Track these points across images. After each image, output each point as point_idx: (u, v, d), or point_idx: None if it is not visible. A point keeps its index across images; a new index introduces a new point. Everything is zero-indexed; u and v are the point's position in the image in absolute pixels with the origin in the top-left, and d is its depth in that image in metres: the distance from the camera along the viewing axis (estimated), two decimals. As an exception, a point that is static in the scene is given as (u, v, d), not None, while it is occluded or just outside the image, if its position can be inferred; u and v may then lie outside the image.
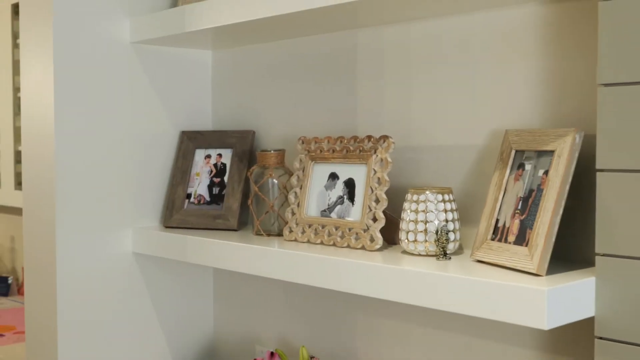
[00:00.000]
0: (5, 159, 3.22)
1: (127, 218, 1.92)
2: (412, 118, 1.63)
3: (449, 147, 1.56)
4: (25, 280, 1.93)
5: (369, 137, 1.57)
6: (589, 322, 1.21)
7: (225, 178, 1.92)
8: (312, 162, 1.67)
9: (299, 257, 1.51)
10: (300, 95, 1.88)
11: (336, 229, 1.56)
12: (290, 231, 1.64)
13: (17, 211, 3.57)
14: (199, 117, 2.07)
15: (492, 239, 1.34)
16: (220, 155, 1.95)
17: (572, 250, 1.35)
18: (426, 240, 1.41)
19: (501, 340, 1.49)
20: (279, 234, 1.72)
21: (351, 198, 1.58)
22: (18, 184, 3.18)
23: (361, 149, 1.57)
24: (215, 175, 1.94)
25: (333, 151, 1.63)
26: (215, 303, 2.12)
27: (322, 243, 1.58)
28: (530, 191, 1.29)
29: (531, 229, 1.25)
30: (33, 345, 1.91)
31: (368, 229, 1.50)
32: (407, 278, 1.31)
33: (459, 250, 1.47)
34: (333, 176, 1.63)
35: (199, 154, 1.98)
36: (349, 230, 1.54)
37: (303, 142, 1.70)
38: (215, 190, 1.92)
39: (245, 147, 1.92)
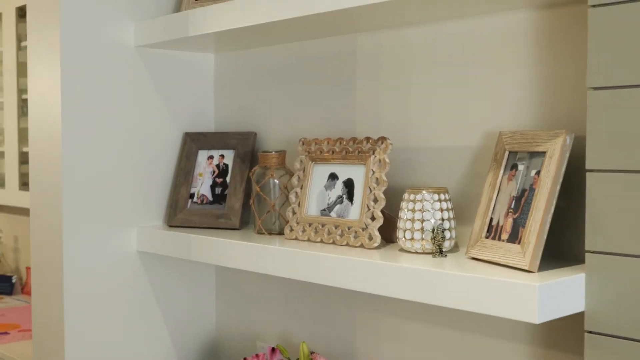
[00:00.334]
0: (10, 159, 3.24)
1: (132, 217, 1.93)
2: (409, 120, 1.64)
3: (444, 148, 1.57)
4: (32, 278, 1.94)
5: (368, 139, 1.58)
6: (579, 317, 1.23)
7: (228, 178, 1.93)
8: (312, 163, 1.68)
9: (300, 254, 1.52)
10: (301, 98, 1.88)
11: (336, 228, 1.57)
12: (291, 230, 1.65)
13: (21, 211, 3.58)
14: (201, 119, 2.07)
15: (486, 237, 1.36)
16: (222, 156, 1.96)
17: (563, 248, 1.36)
18: (423, 239, 1.42)
19: (495, 336, 1.50)
20: (280, 233, 1.73)
21: (350, 198, 1.59)
22: (22, 185, 3.19)
23: (360, 150, 1.59)
24: (218, 176, 1.95)
25: (332, 152, 1.64)
26: (218, 300, 2.12)
27: (322, 241, 1.60)
28: (523, 191, 1.31)
29: (524, 227, 1.27)
30: (40, 342, 1.93)
31: (367, 227, 1.52)
32: (404, 275, 1.33)
33: (455, 248, 1.49)
34: (333, 176, 1.64)
35: (202, 155, 1.99)
36: (348, 228, 1.55)
37: (303, 144, 1.71)
38: (218, 190, 1.93)
39: (247, 148, 1.93)
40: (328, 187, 1.64)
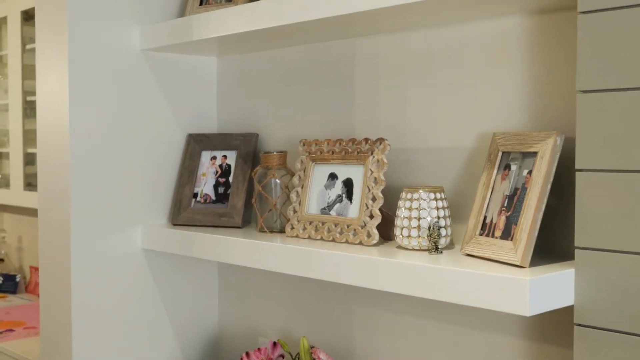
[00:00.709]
0: (15, 160, 3.25)
1: (137, 216, 1.94)
2: (407, 122, 1.66)
3: (440, 149, 1.59)
4: (40, 276, 1.96)
5: (366, 140, 1.60)
6: (568, 311, 1.25)
7: (230, 178, 1.94)
8: (312, 163, 1.70)
9: (301, 251, 1.54)
10: (301, 100, 1.89)
11: (335, 226, 1.59)
12: (292, 228, 1.67)
13: (25, 211, 3.59)
14: (204, 120, 2.08)
15: (481, 234, 1.38)
16: (225, 156, 1.97)
17: (554, 245, 1.39)
18: (419, 236, 1.44)
19: (489, 330, 1.52)
20: (282, 231, 1.74)
21: (349, 197, 1.60)
22: (27, 185, 3.20)
23: (359, 150, 1.60)
24: (221, 176, 1.96)
25: (332, 153, 1.66)
26: (220, 296, 2.13)
27: (322, 239, 1.61)
28: (516, 190, 1.33)
29: (516, 224, 1.30)
30: (48, 338, 1.94)
31: (365, 225, 1.54)
32: (401, 270, 1.35)
33: (450, 245, 1.51)
34: (332, 176, 1.65)
35: (205, 156, 2.00)
36: (348, 226, 1.57)
37: (304, 144, 1.72)
38: (221, 189, 1.94)
39: (249, 149, 1.94)
40: (328, 187, 1.65)
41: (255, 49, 1.96)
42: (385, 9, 1.40)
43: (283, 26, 1.59)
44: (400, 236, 1.47)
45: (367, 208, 1.55)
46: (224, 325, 2.14)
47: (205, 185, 1.97)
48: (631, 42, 1.15)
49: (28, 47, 3.21)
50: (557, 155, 1.29)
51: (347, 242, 1.57)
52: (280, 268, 1.59)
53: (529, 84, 1.45)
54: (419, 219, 1.44)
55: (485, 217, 1.39)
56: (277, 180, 1.77)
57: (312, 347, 1.76)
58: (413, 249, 1.46)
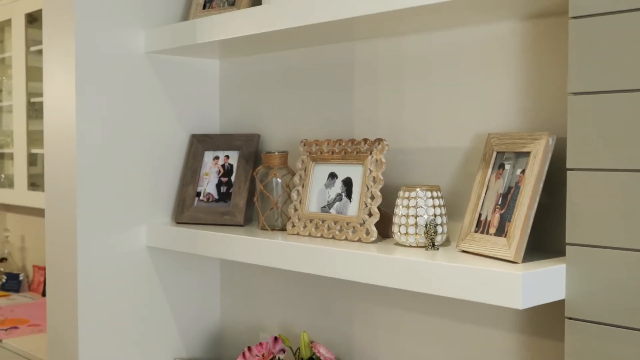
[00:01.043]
0: (19, 161, 3.27)
1: (142, 215, 1.96)
2: (404, 123, 1.67)
3: (437, 149, 1.61)
4: (47, 273, 1.98)
5: (365, 140, 1.62)
6: (560, 305, 1.28)
7: (232, 178, 1.95)
8: (313, 163, 1.71)
9: (302, 248, 1.55)
10: (302, 101, 1.91)
11: (335, 223, 1.61)
12: (293, 225, 1.69)
13: (28, 211, 3.62)
14: (207, 121, 2.10)
15: (475, 231, 1.40)
16: (227, 156, 1.98)
17: (546, 242, 1.41)
18: (416, 233, 1.46)
19: (483, 324, 1.55)
20: (283, 229, 1.76)
21: (349, 195, 1.62)
22: (31, 185, 3.21)
23: (358, 150, 1.62)
24: (223, 175, 1.97)
25: (332, 153, 1.68)
26: (222, 293, 2.15)
27: (322, 236, 1.63)
28: (509, 188, 1.36)
29: (509, 221, 1.32)
30: (54, 334, 1.96)
31: (364, 223, 1.56)
32: (399, 266, 1.37)
33: (446, 242, 1.53)
34: (332, 175, 1.67)
35: (208, 156, 2.01)
36: (347, 224, 1.59)
37: (305, 145, 1.74)
38: (223, 189, 1.95)
39: (251, 149, 1.95)
40: (328, 186, 1.67)
41: (257, 52, 1.98)
42: (384, 13, 1.42)
43: (284, 30, 1.61)
44: (398, 233, 1.49)
45: (366, 206, 1.56)
46: (226, 321, 2.15)
47: (208, 185, 1.98)
48: (620, 46, 1.17)
49: (32, 49, 3.23)
50: (549, 155, 1.31)
51: (346, 239, 1.58)
52: (281, 264, 1.60)
53: (523, 86, 1.47)
54: (416, 216, 1.46)
55: (480, 215, 1.41)
56: (278, 179, 1.78)
57: (312, 342, 1.78)
58: (410, 246, 1.48)
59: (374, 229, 1.55)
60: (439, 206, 1.48)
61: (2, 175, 3.59)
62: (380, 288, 1.72)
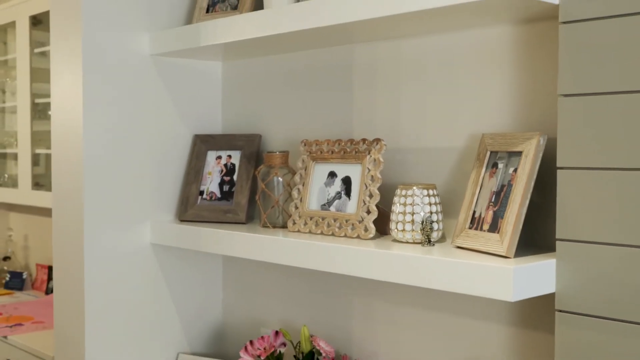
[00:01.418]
0: (23, 161, 3.27)
1: (146, 213, 1.98)
2: (402, 123, 1.69)
3: (433, 149, 1.63)
4: (54, 270, 1.99)
5: (364, 140, 1.64)
6: (550, 299, 1.31)
7: (235, 177, 1.97)
8: (313, 162, 1.74)
9: (302, 245, 1.58)
10: (303, 103, 1.93)
11: (334, 221, 1.64)
12: (294, 223, 1.71)
13: (31, 210, 3.63)
14: (210, 122, 2.11)
15: (470, 228, 1.43)
16: (230, 156, 2.00)
17: (538, 238, 1.44)
18: (413, 230, 1.49)
19: (476, 317, 1.57)
20: (284, 226, 1.78)
21: (348, 193, 1.65)
22: (35, 185, 3.22)
23: (357, 150, 1.65)
24: (226, 174, 1.99)
25: (332, 152, 1.70)
26: (224, 289, 2.17)
27: (322, 233, 1.65)
28: (502, 186, 1.39)
29: (502, 218, 1.35)
30: (61, 329, 1.98)
31: (363, 220, 1.58)
32: (396, 261, 1.40)
33: (442, 239, 1.56)
34: (332, 174, 1.69)
35: (211, 155, 2.02)
36: (346, 221, 1.61)
37: (305, 144, 1.76)
38: (226, 187, 1.97)
39: (253, 149, 1.97)
40: (328, 184, 1.69)
41: (259, 54, 1.99)
42: (382, 18, 1.44)
43: (285, 33, 1.63)
44: (395, 230, 1.51)
45: (365, 204, 1.59)
46: (227, 316, 2.17)
47: (211, 184, 2.00)
48: (607, 50, 1.21)
49: (36, 50, 3.23)
50: (540, 155, 1.34)
51: (345, 236, 1.61)
52: (282, 260, 1.62)
53: (515, 88, 1.49)
54: (412, 214, 1.49)
55: (474, 212, 1.44)
56: (279, 178, 1.80)
57: (312, 336, 1.80)
58: (407, 242, 1.50)
59: (372, 226, 1.57)
60: (435, 204, 1.51)
61: (6, 175, 3.59)
62: (378, 283, 1.74)
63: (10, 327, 2.83)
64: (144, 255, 1.99)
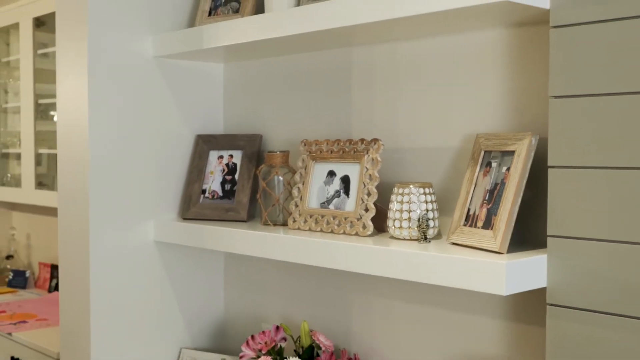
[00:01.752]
0: (26, 160, 3.29)
1: (150, 211, 2.00)
2: (399, 124, 1.71)
3: (429, 149, 1.65)
4: (60, 268, 2.01)
5: (362, 140, 1.66)
6: (541, 292, 1.33)
7: (236, 176, 1.98)
8: (312, 162, 1.75)
9: (302, 242, 1.60)
10: (302, 103, 1.94)
11: (334, 218, 1.65)
12: (294, 221, 1.73)
13: (33, 209, 3.65)
14: (212, 122, 2.13)
15: (465, 225, 1.45)
16: (231, 156, 2.01)
17: (530, 235, 1.46)
18: (410, 227, 1.50)
19: (470, 312, 1.59)
20: (284, 224, 1.80)
21: (346, 192, 1.66)
22: (38, 184, 3.23)
23: (355, 150, 1.66)
24: (227, 174, 2.00)
25: (331, 152, 1.72)
26: (226, 285, 2.18)
27: (321, 230, 1.67)
28: (496, 184, 1.41)
29: (495, 215, 1.37)
30: (67, 327, 1.99)
31: (361, 218, 1.60)
32: (393, 257, 1.42)
33: (438, 236, 1.57)
34: (331, 173, 1.71)
35: (213, 155, 2.04)
36: (345, 219, 1.63)
37: (305, 144, 1.78)
38: (227, 186, 1.99)
39: (254, 149, 1.98)
40: (327, 183, 1.71)
41: (260, 56, 2.01)
42: (380, 22, 1.46)
43: (285, 36, 1.65)
44: (393, 227, 1.53)
45: (363, 202, 1.61)
46: (229, 312, 2.18)
47: (213, 183, 2.01)
48: (596, 53, 1.23)
49: (39, 52, 3.25)
50: (532, 154, 1.36)
51: (344, 233, 1.63)
52: (283, 257, 1.64)
53: (508, 89, 1.51)
54: (409, 211, 1.51)
55: (469, 210, 1.46)
56: (280, 177, 1.82)
57: (312, 331, 1.81)
58: (404, 239, 1.52)
59: (370, 223, 1.59)
60: (431, 202, 1.53)
61: (9, 175, 3.60)
62: (376, 279, 1.76)
63: (15, 324, 2.85)
64: (147, 253, 2.01)
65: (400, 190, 1.54)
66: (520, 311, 1.53)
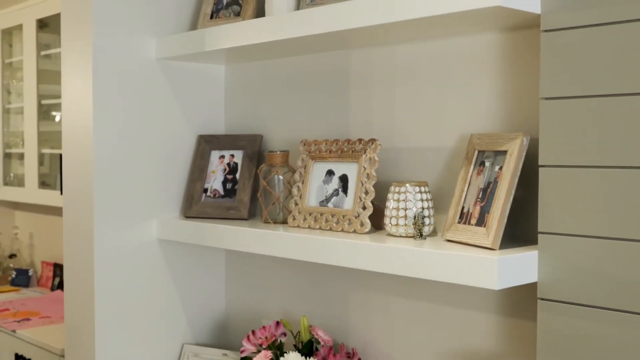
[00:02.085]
0: (30, 160, 3.30)
1: (153, 210, 2.02)
2: (396, 124, 1.73)
3: (425, 148, 1.67)
4: (65, 266, 2.03)
5: (360, 140, 1.68)
6: (533, 287, 1.36)
7: (237, 175, 2.00)
8: (312, 161, 1.77)
9: (302, 239, 1.62)
10: (302, 105, 1.96)
11: (332, 216, 1.67)
12: (294, 218, 1.75)
13: (36, 208, 3.66)
14: (213, 122, 2.15)
15: (459, 222, 1.48)
16: (232, 155, 2.03)
17: (522, 232, 1.49)
18: (406, 224, 1.53)
19: (464, 306, 1.62)
20: (284, 222, 1.82)
21: (345, 190, 1.68)
22: (41, 184, 3.25)
23: (353, 149, 1.68)
24: (229, 173, 2.02)
25: (330, 152, 1.73)
26: (227, 282, 2.20)
27: (320, 228, 1.69)
28: (489, 183, 1.44)
29: (488, 213, 1.40)
30: (72, 324, 2.01)
31: (359, 215, 1.62)
32: (390, 254, 1.45)
33: (433, 233, 1.60)
34: (330, 172, 1.73)
35: (214, 155, 2.05)
36: (343, 217, 1.65)
37: (304, 144, 1.80)
38: (229, 185, 2.00)
39: (254, 149, 2.00)
40: (326, 182, 1.73)
41: (260, 58, 2.03)
42: (377, 26, 1.48)
43: (286, 39, 1.66)
44: (389, 225, 1.56)
45: (361, 200, 1.63)
46: (230, 308, 2.20)
47: (215, 182, 2.03)
48: (585, 56, 1.26)
49: (43, 53, 3.27)
50: (524, 153, 1.39)
51: (342, 230, 1.65)
52: (283, 254, 1.66)
53: (501, 91, 1.54)
54: (405, 209, 1.53)
55: (463, 207, 1.49)
56: (280, 176, 1.84)
57: (311, 326, 1.84)
58: (400, 236, 1.55)
59: (368, 221, 1.61)
60: (427, 200, 1.55)
61: (12, 175, 3.61)
62: (373, 275, 1.77)
63: (18, 322, 2.87)
64: (151, 251, 2.03)
65: (397, 189, 1.56)
66: (512, 306, 1.55)
